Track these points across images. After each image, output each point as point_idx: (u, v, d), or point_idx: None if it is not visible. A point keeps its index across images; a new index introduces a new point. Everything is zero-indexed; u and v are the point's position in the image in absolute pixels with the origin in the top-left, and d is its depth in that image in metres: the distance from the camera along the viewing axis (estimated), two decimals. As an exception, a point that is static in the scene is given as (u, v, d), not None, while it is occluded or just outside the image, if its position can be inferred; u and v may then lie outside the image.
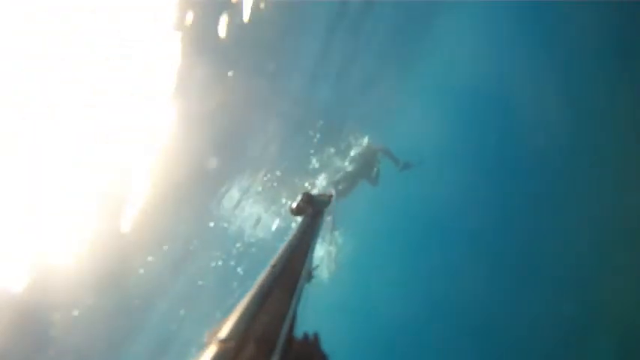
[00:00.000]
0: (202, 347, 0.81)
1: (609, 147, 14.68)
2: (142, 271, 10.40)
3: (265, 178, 13.54)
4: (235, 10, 7.22)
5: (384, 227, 22.91)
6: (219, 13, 7.16)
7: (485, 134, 22.20)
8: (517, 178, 19.37)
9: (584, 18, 14.91)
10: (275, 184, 14.00)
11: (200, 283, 14.22)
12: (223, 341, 0.81)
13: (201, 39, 7.22)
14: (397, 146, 13.93)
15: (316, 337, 1.06)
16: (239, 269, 15.03)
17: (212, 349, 0.79)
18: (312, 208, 1.46)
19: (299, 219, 1.43)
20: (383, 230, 22.98)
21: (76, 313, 9.01)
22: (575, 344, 13.23)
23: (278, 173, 13.97)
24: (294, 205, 1.48)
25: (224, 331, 0.84)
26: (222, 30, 7.38)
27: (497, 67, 21.79)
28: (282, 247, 1.18)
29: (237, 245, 14.57)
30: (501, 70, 22.03)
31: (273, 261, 1.09)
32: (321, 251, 17.74)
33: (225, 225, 13.77)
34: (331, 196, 1.60)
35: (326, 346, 1.05)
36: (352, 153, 14.96)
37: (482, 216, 19.31)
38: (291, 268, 1.09)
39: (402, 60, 16.80)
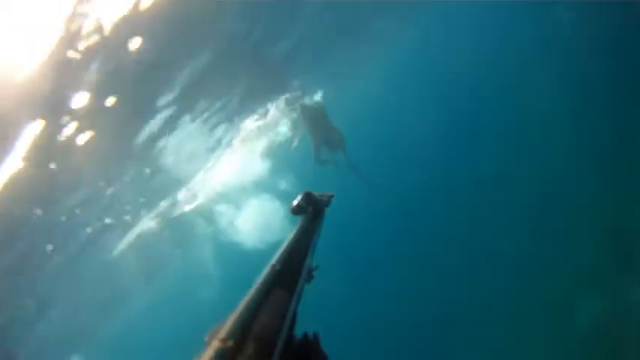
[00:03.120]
0: (203, 346, 0.81)
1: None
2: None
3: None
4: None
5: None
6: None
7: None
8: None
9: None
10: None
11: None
12: (223, 340, 0.81)
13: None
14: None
15: (316, 336, 1.06)
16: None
17: (212, 349, 0.79)
18: (313, 208, 1.46)
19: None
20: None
21: None
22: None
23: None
24: (294, 203, 1.45)
25: (224, 330, 0.84)
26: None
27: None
28: (282, 247, 1.17)
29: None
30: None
31: (273, 261, 1.08)
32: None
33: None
34: (332, 195, 1.59)
35: (326, 345, 1.06)
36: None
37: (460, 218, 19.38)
38: (291, 268, 1.08)
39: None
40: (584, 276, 11.92)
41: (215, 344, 0.81)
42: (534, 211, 15.35)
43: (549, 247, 13.73)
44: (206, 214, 20.87)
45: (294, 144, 16.47)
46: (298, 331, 1.03)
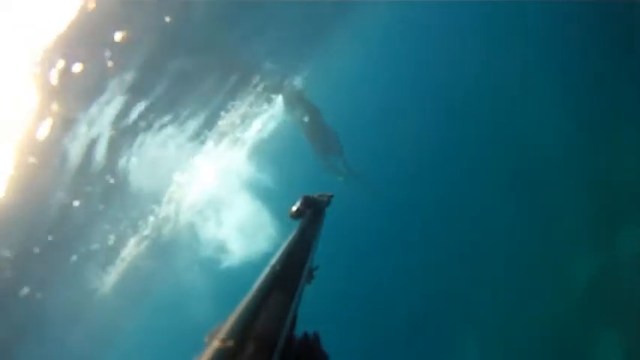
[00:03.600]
0: (203, 347, 0.81)
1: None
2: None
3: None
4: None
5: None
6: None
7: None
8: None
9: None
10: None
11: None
12: (223, 340, 0.81)
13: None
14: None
15: (316, 336, 1.06)
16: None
17: (212, 349, 0.79)
18: (312, 209, 1.48)
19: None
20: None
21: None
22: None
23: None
24: (294, 207, 1.46)
25: (224, 330, 0.84)
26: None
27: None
28: (282, 248, 1.18)
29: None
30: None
31: (273, 261, 1.09)
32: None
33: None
34: (331, 196, 1.61)
35: (326, 345, 1.05)
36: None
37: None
38: (292, 269, 1.09)
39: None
40: (579, 232, 11.95)
41: (215, 344, 0.81)
42: (523, 169, 15.31)
43: (542, 206, 13.70)
44: (187, 227, 20.43)
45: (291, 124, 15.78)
46: (298, 331, 1.03)
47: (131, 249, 16.84)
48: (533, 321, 11.87)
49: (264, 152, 20.55)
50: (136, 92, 9.09)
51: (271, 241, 22.03)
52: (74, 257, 12.08)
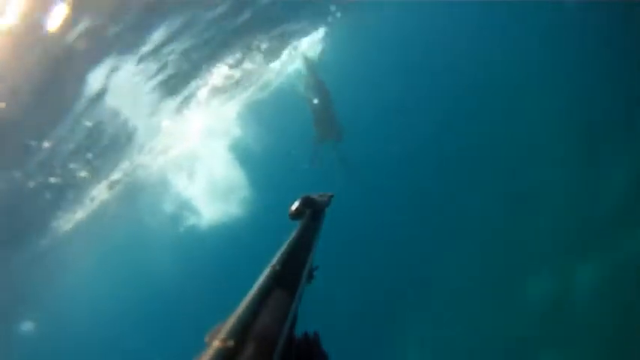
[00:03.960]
0: (203, 347, 0.79)
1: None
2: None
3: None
4: None
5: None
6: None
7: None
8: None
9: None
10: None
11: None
12: (223, 340, 0.80)
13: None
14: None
15: (316, 335, 1.07)
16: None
17: (212, 349, 0.78)
18: (312, 209, 1.47)
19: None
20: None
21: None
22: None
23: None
24: (293, 207, 1.46)
25: (224, 330, 0.83)
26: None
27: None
28: (282, 248, 1.17)
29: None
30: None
31: (273, 261, 1.08)
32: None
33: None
34: (332, 196, 1.60)
35: (326, 345, 1.06)
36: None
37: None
38: (292, 269, 1.08)
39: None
40: (538, 253, 12.42)
41: (215, 344, 0.80)
42: (498, 187, 15.68)
43: (509, 224, 14.10)
44: (161, 178, 19.99)
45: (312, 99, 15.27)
46: (298, 331, 1.02)
47: (102, 190, 16.52)
48: (482, 335, 12.29)
49: (256, 113, 20.08)
50: (132, 41, 8.62)
51: (242, 204, 21.98)
52: (32, 184, 11.67)
